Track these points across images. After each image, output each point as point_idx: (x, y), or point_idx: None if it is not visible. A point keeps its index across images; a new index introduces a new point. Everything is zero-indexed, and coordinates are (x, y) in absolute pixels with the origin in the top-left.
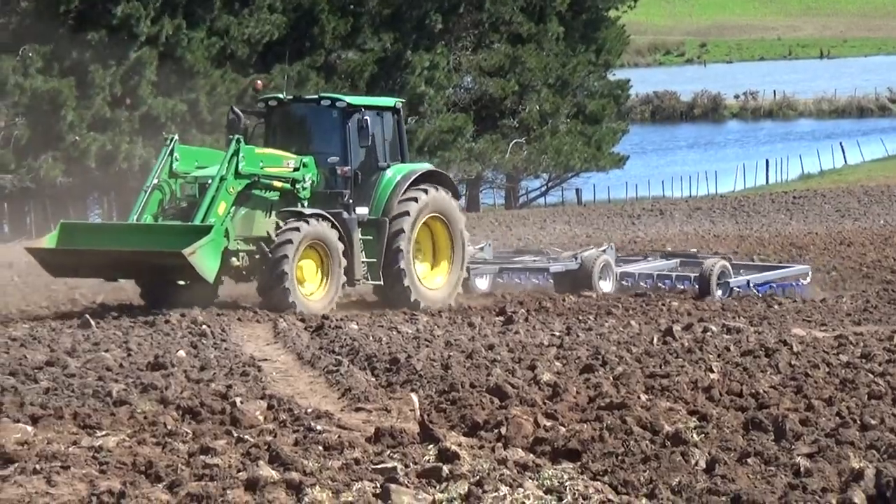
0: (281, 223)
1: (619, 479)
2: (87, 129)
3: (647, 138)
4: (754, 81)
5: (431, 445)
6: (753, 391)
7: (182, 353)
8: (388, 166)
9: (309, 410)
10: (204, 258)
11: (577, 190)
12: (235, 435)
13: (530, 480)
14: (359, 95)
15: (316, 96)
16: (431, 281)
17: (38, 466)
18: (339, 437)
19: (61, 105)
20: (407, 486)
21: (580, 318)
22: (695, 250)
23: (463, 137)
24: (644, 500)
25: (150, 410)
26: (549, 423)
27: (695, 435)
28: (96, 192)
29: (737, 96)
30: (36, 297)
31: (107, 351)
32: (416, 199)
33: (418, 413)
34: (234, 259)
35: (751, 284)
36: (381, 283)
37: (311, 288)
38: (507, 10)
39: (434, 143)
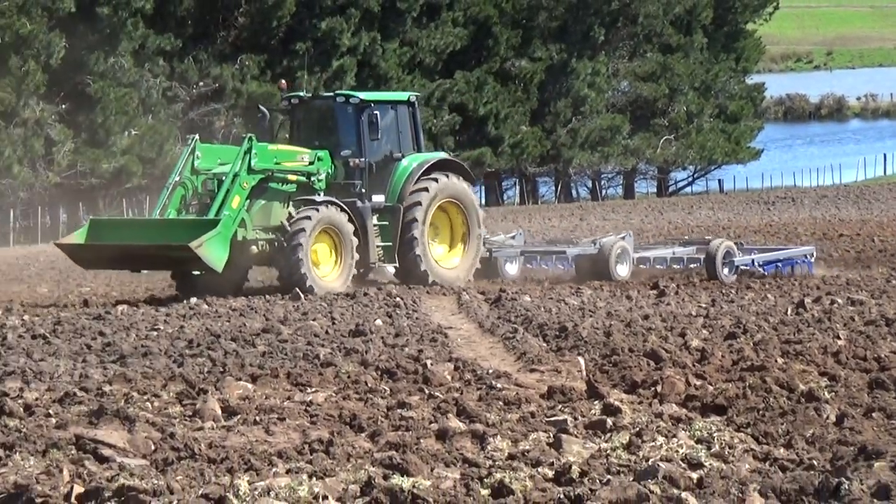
0: (293, 213)
1: (760, 431)
2: None
3: (780, 134)
4: (874, 85)
5: (597, 401)
6: (876, 355)
7: (379, 321)
8: (403, 156)
9: (490, 371)
10: (211, 249)
11: (719, 180)
12: (427, 392)
13: (683, 431)
14: (378, 91)
15: (332, 93)
16: (449, 261)
17: (257, 418)
18: (516, 393)
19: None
20: (576, 436)
21: (723, 292)
22: (709, 237)
23: (620, 135)
24: (782, 450)
25: (353, 371)
26: (698, 383)
27: (826, 393)
28: None
29: (858, 98)
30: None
31: (314, 320)
32: (427, 189)
33: (585, 373)
34: (253, 247)
35: (755, 263)
36: (397, 265)
37: (326, 270)
38: (658, 24)
39: (595, 140)
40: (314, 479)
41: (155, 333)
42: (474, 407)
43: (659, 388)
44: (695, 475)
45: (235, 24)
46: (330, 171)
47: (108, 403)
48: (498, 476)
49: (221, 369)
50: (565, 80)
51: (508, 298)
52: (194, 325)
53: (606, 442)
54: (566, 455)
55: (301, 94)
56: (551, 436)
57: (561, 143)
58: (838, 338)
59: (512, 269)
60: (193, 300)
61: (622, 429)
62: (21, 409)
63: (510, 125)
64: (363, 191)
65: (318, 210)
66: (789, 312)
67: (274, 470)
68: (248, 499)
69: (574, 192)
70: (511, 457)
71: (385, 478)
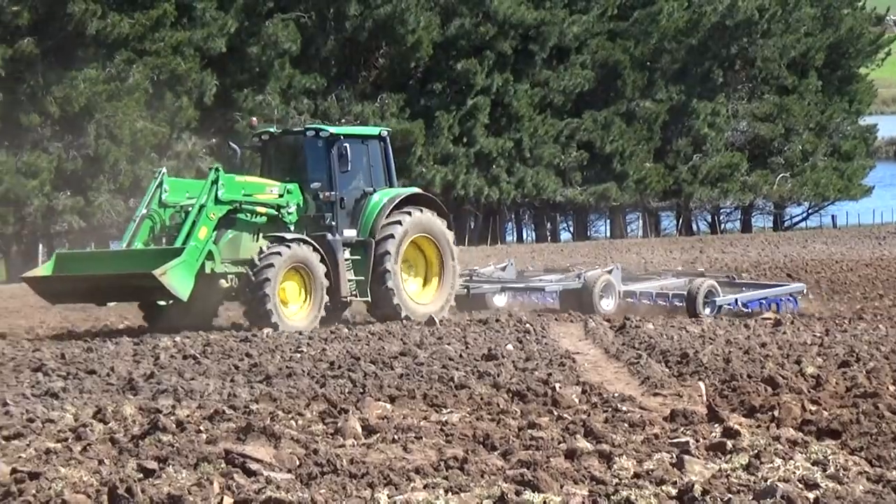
0: (264, 248)
1: (874, 455)
2: (432, 163)
3: (890, 173)
4: None
5: (717, 424)
6: None
7: (510, 346)
8: (375, 191)
9: (615, 394)
10: (175, 278)
11: (832, 216)
12: (556, 413)
13: (799, 454)
14: (348, 126)
15: (302, 128)
16: (423, 297)
17: (396, 436)
18: (640, 416)
19: (412, 143)
20: (698, 457)
21: (836, 322)
22: (702, 269)
23: (738, 172)
24: (894, 472)
25: (486, 393)
26: (813, 408)
27: None
28: None
29: None
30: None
31: (449, 344)
32: (400, 222)
33: (705, 398)
34: (222, 280)
35: (739, 302)
36: (369, 299)
37: (295, 308)
38: (774, 67)
39: (715, 176)
40: (450, 493)
41: (298, 355)
42: (601, 428)
43: (776, 413)
44: (811, 495)
45: (376, 64)
46: (300, 204)
47: (255, 421)
48: (624, 493)
49: (361, 390)
50: (687, 120)
51: (633, 326)
52: (336, 348)
53: (726, 463)
54: (688, 475)
55: (271, 129)
56: (674, 456)
57: (682, 179)
58: None
59: (500, 301)
60: (334, 325)
61: (741, 451)
62: (174, 426)
63: (635, 162)
64: (333, 224)
65: (288, 247)
66: None
67: (412, 485)
68: None
69: (694, 226)
70: (636, 475)
71: (517, 493)
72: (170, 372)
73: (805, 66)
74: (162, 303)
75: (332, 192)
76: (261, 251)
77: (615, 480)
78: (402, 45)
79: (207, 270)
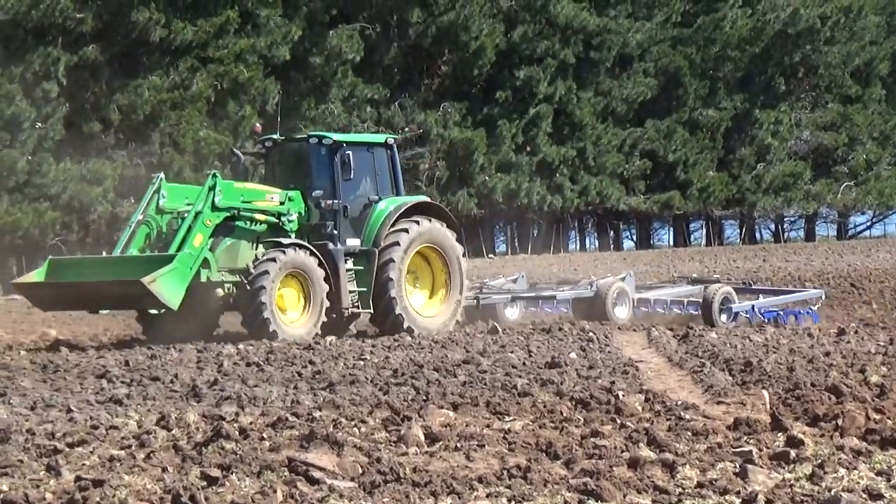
0: (259, 255)
1: None
2: (494, 171)
3: None
4: None
5: (780, 433)
6: None
7: (573, 354)
8: (380, 199)
9: (678, 403)
10: (165, 286)
11: None
12: (619, 422)
13: (863, 464)
14: (353, 133)
15: (305, 135)
16: (428, 310)
17: (458, 444)
18: (703, 425)
19: (474, 151)
20: (761, 467)
21: None
22: (717, 276)
23: (802, 180)
24: None
25: (549, 401)
26: (877, 417)
27: None
28: (501, 222)
29: None
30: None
31: (512, 352)
32: (406, 230)
33: (769, 406)
34: (219, 289)
35: (756, 309)
36: (372, 311)
37: (294, 316)
38: (838, 75)
39: (778, 185)
40: (513, 502)
41: (362, 363)
42: (664, 437)
43: (840, 422)
44: None
45: (439, 72)
46: (302, 212)
47: (318, 428)
48: (687, 503)
49: (424, 397)
50: (750, 129)
51: (696, 335)
52: (399, 356)
53: (790, 472)
54: (752, 484)
55: (275, 136)
56: (737, 466)
57: (746, 187)
58: None
59: (512, 313)
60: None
61: (805, 460)
62: (237, 433)
63: (698, 171)
64: (335, 233)
65: (284, 252)
66: None
67: (475, 494)
68: None
69: (758, 235)
70: (699, 485)
71: (580, 502)
72: (233, 379)
73: (869, 74)
74: (153, 312)
75: (335, 201)
76: (255, 259)
77: (678, 490)
78: (465, 53)
79: (203, 279)
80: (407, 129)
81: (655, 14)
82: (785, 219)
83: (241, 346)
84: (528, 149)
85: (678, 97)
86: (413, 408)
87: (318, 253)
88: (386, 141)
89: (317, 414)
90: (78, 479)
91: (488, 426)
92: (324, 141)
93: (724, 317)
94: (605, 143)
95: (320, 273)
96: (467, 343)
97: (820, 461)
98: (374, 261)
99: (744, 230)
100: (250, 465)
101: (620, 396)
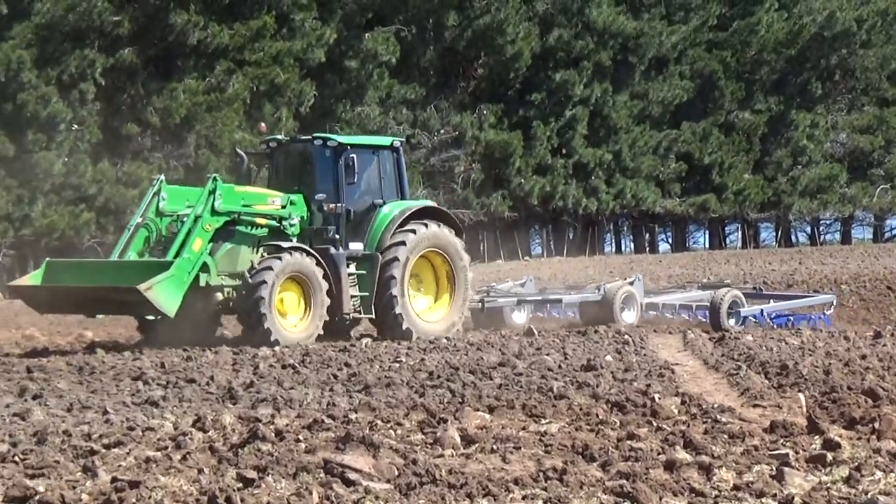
0: (255, 261)
1: None
2: (530, 173)
3: None
4: None
5: (817, 436)
6: None
7: (609, 357)
8: (385, 203)
9: (715, 406)
10: (161, 293)
11: None
12: (655, 424)
13: None
14: (357, 135)
15: (310, 136)
16: (431, 314)
17: (494, 447)
18: (740, 427)
19: (510, 154)
20: (798, 469)
21: None
22: (728, 281)
23: (837, 183)
24: None
25: (585, 403)
26: None
27: None
28: (536, 224)
29: None
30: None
31: (548, 355)
32: (413, 231)
33: (805, 409)
34: (218, 294)
35: (765, 314)
36: (373, 316)
37: (294, 320)
38: (874, 78)
39: (814, 188)
40: None
41: (397, 365)
42: (700, 440)
43: (876, 425)
44: None
45: (475, 75)
46: (304, 215)
47: (354, 430)
48: None
49: (460, 400)
50: (785, 132)
51: (732, 338)
52: (434, 358)
53: (827, 475)
54: (788, 487)
55: (279, 137)
56: (774, 468)
57: (781, 190)
58: None
59: (519, 317)
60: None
61: (842, 463)
62: (273, 435)
63: (734, 173)
64: (337, 237)
65: (280, 259)
66: None
67: (511, 496)
68: None
69: (793, 238)
70: (736, 487)
71: None
72: (269, 381)
73: None
74: (150, 317)
75: (338, 204)
76: (252, 265)
77: (714, 493)
78: (501, 56)
79: (202, 283)
80: (415, 133)
81: (691, 18)
82: (821, 221)
83: (276, 348)
84: (564, 151)
85: (714, 100)
86: (449, 410)
87: (319, 257)
88: (392, 144)
89: (353, 416)
90: (114, 479)
91: (524, 428)
92: (328, 143)
93: (732, 321)
94: (640, 146)
95: (320, 276)
96: (503, 345)
97: (856, 464)
98: (376, 264)
99: (779, 233)
100: (286, 467)
101: (656, 399)
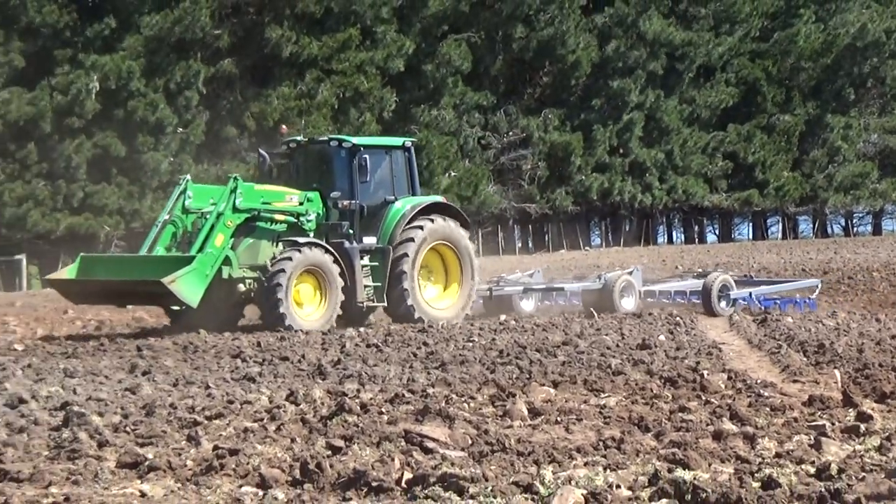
0: (276, 254)
1: None
2: (590, 171)
3: None
4: None
5: (851, 409)
6: None
7: (662, 337)
8: (396, 199)
9: (758, 381)
10: (184, 286)
11: None
12: (704, 398)
13: None
14: (371, 136)
15: (327, 138)
16: (440, 303)
17: (558, 418)
18: (781, 401)
19: (571, 153)
20: (834, 439)
21: None
22: (720, 269)
23: (869, 179)
24: None
25: (640, 379)
26: None
27: None
28: (596, 217)
29: None
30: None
31: (606, 335)
32: (421, 227)
33: (840, 385)
34: (240, 285)
35: (753, 296)
36: (386, 304)
37: (310, 310)
38: None
39: (848, 184)
40: (608, 471)
41: (471, 344)
42: (745, 412)
43: None
44: None
45: (540, 82)
46: (321, 212)
47: (431, 404)
48: (767, 471)
49: (528, 376)
50: (822, 133)
51: (773, 319)
52: (504, 338)
53: (860, 444)
54: (825, 455)
55: (299, 138)
56: (812, 438)
57: (818, 186)
58: None
59: (528, 305)
60: (503, 317)
61: (874, 433)
62: (358, 407)
63: (775, 171)
64: (352, 231)
65: (300, 251)
66: None
67: (573, 462)
68: (552, 486)
69: (829, 229)
70: (778, 455)
71: (669, 471)
72: (355, 359)
73: None
74: (175, 308)
75: (352, 201)
76: (273, 257)
77: (758, 460)
78: (563, 65)
79: (225, 276)
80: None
81: (736, 29)
82: (854, 214)
83: (362, 329)
84: (621, 151)
85: (757, 104)
86: (517, 385)
87: (333, 251)
88: (404, 144)
89: (430, 391)
90: (215, 448)
91: (585, 402)
92: (343, 144)
93: (723, 304)
94: (690, 146)
95: (335, 269)
96: (566, 326)
97: (887, 434)
98: (388, 257)
99: (816, 225)
100: (370, 437)
101: (705, 375)
